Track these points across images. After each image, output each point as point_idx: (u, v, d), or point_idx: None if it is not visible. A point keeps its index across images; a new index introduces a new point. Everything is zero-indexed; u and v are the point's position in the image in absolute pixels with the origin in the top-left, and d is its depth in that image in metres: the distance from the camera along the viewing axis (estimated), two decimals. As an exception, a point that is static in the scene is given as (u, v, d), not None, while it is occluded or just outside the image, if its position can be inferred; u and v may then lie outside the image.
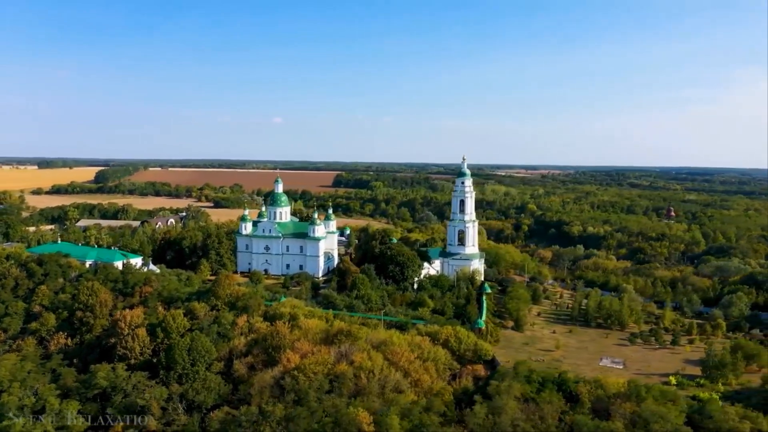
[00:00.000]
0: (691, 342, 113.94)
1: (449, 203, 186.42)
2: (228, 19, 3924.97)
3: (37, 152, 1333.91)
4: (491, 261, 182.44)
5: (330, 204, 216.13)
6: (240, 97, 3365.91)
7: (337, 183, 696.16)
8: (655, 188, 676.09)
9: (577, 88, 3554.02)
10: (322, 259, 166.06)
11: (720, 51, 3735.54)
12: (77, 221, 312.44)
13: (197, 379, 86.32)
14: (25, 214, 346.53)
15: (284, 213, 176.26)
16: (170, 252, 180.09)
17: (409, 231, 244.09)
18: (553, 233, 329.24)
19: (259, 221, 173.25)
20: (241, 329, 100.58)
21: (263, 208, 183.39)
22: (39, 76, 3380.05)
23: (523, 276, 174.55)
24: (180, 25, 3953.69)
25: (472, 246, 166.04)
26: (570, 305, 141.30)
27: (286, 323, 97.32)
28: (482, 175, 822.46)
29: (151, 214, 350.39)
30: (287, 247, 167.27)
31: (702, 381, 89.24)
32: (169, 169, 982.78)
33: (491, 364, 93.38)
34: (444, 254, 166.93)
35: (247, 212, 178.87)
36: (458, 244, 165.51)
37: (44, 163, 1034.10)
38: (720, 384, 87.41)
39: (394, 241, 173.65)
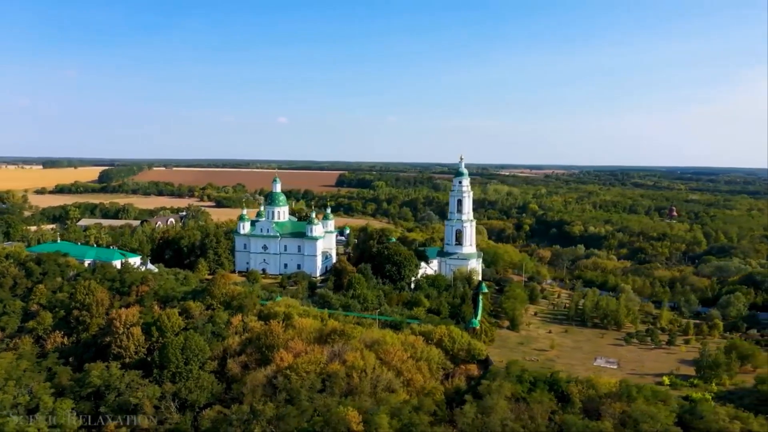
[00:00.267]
0: (687, 342, 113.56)
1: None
2: (228, 19, 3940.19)
3: (42, 152, 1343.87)
4: (489, 261, 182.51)
5: (330, 204, 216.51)
6: (242, 96, 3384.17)
7: (340, 183, 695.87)
8: (658, 188, 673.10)
9: (583, 88, 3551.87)
10: (319, 259, 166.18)
11: (727, 51, 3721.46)
12: (78, 221, 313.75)
13: (190, 377, 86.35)
14: (27, 213, 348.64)
15: (282, 212, 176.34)
16: (169, 251, 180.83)
17: (409, 231, 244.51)
18: (555, 233, 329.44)
19: (258, 221, 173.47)
20: (236, 328, 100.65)
21: (262, 208, 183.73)
22: (41, 76, 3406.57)
23: (521, 276, 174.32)
24: (181, 25, 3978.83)
25: (469, 246, 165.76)
26: (567, 305, 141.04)
27: (281, 322, 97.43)
28: (486, 174, 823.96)
29: (152, 213, 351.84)
30: (285, 246, 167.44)
31: (695, 381, 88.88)
32: (173, 168, 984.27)
33: (485, 363, 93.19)
34: (442, 254, 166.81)
35: (245, 212, 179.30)
36: (456, 244, 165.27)
37: (49, 163, 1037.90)
38: (714, 384, 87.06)
39: (392, 240, 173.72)
